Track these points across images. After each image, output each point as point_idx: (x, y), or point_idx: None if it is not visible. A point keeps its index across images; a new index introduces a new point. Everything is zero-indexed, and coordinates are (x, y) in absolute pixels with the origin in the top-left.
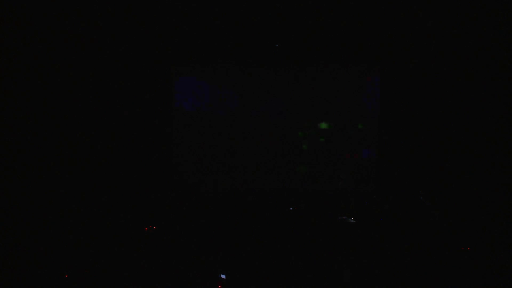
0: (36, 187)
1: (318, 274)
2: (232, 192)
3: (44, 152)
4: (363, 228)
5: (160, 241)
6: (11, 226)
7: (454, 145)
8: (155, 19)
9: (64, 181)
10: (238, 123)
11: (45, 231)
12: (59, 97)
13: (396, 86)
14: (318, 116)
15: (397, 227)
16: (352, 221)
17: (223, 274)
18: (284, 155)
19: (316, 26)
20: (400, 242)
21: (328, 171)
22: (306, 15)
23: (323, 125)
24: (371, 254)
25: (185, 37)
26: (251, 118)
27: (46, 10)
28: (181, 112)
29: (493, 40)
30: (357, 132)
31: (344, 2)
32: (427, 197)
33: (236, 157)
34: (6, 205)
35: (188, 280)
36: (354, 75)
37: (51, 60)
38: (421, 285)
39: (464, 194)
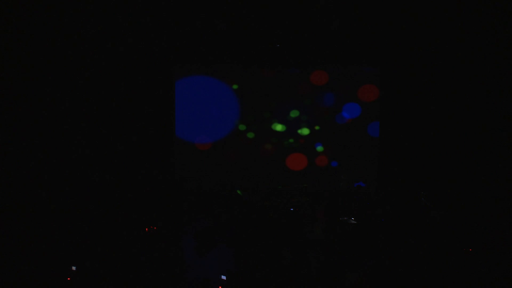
0: (37, 188)
1: (319, 274)
2: (232, 192)
3: (45, 152)
4: (364, 229)
5: (160, 241)
6: (12, 226)
7: (454, 146)
8: (156, 19)
9: (64, 182)
10: (239, 124)
11: (46, 231)
12: (60, 97)
13: (397, 86)
14: (318, 116)
15: (398, 228)
16: (353, 221)
17: (223, 275)
18: (285, 155)
19: (317, 27)
20: (401, 243)
21: (329, 172)
22: (307, 16)
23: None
24: (373, 255)
25: (186, 38)
26: (251, 117)
27: (46, 10)
28: (182, 112)
29: (493, 40)
30: (357, 132)
31: (344, 2)
32: (429, 198)
33: (236, 157)
34: (6, 205)
35: (188, 281)
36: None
37: (51, 61)
38: (422, 285)
39: (464, 194)
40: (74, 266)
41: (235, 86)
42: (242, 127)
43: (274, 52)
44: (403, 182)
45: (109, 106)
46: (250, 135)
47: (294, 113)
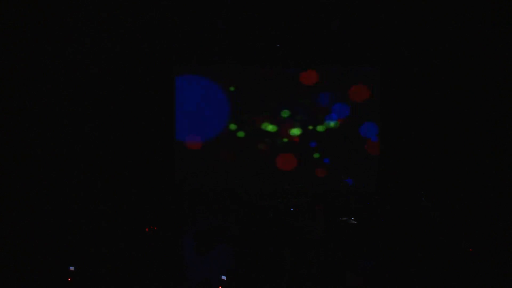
0: (37, 188)
1: (319, 275)
2: (232, 192)
3: (45, 153)
4: (364, 229)
5: (160, 241)
6: (13, 227)
7: (454, 146)
8: (158, 20)
9: (64, 182)
10: (239, 124)
11: (46, 231)
12: (60, 97)
13: (397, 87)
14: (320, 116)
15: (398, 228)
16: (353, 221)
17: (223, 275)
18: (286, 156)
19: (317, 27)
20: (401, 243)
21: (330, 172)
22: (308, 16)
23: (328, 126)
24: (373, 254)
25: (187, 38)
26: (252, 118)
27: (46, 9)
28: (182, 113)
29: (493, 41)
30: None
31: (345, 3)
32: (428, 198)
33: (236, 158)
34: (8, 206)
35: (188, 281)
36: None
37: (50, 60)
38: (422, 286)
39: (464, 194)
40: (72, 266)
41: (232, 88)
42: (233, 126)
43: (270, 52)
44: (403, 182)
45: (109, 105)
46: (241, 134)
47: (285, 113)
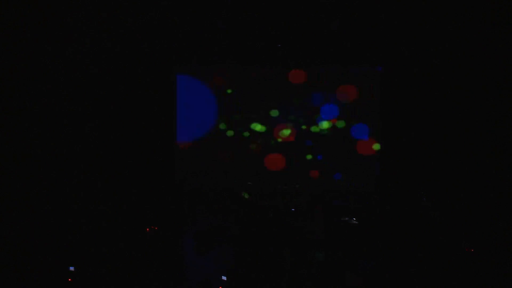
0: (37, 188)
1: (319, 275)
2: (232, 192)
3: (45, 153)
4: (364, 229)
5: (161, 241)
6: (13, 227)
7: (454, 146)
8: (158, 20)
9: (64, 182)
10: (239, 124)
11: (46, 231)
12: (63, 98)
13: (397, 87)
14: (319, 116)
15: (398, 228)
16: (353, 221)
17: (223, 275)
18: (286, 156)
19: (318, 27)
20: (401, 243)
21: (330, 171)
22: (308, 16)
23: (325, 125)
24: (372, 254)
25: (186, 37)
26: (252, 119)
27: (46, 9)
28: (182, 113)
29: (493, 41)
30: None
31: (345, 3)
32: (429, 198)
33: (236, 158)
34: (8, 206)
35: (188, 281)
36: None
37: (49, 60)
38: (422, 286)
39: (464, 194)
40: (72, 267)
41: (229, 91)
42: (222, 126)
43: (270, 52)
44: (403, 182)
45: (109, 105)
46: (230, 133)
47: (274, 113)
